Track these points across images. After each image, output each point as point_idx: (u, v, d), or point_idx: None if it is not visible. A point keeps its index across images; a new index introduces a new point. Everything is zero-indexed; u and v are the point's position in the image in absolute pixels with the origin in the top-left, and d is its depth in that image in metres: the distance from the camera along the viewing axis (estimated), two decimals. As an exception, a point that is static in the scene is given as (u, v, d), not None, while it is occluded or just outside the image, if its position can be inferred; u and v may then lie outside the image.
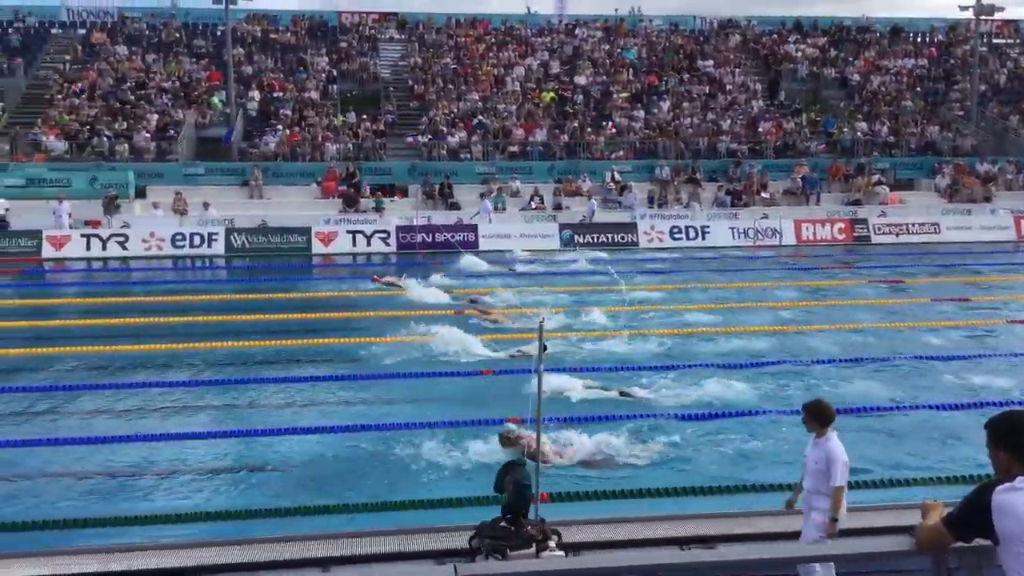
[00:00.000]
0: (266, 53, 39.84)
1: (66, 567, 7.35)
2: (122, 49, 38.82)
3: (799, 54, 42.71)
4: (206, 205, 30.07)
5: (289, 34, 41.34)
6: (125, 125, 33.76)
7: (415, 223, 29.58)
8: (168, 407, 12.78)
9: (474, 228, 29.95)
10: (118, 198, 29.68)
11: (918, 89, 41.43)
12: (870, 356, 15.46)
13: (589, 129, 36.29)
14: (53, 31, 40.91)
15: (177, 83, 37.08)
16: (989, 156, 36.91)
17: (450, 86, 38.61)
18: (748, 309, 19.90)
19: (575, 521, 8.25)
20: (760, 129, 37.40)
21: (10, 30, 39.80)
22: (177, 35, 40.36)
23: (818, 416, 7.20)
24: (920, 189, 36.28)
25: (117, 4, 43.26)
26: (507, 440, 10.58)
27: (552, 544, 7.23)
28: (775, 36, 44.56)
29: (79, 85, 35.99)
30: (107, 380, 14.08)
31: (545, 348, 8.28)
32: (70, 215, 28.48)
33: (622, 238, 30.44)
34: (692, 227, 31.12)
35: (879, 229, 31.91)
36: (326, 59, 39.93)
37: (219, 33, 39.58)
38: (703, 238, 30.81)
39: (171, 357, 15.49)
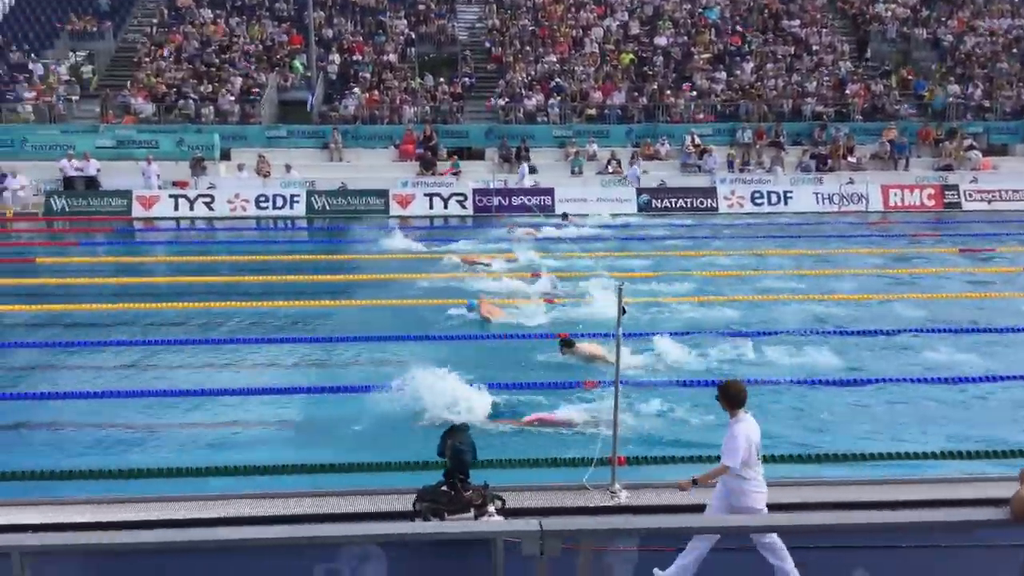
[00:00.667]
0: (346, 16, 40.05)
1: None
2: (207, 12, 39.47)
3: (889, 14, 41.07)
4: (288, 167, 30.57)
5: (368, -4, 41.44)
6: (210, 88, 34.43)
7: (491, 186, 29.57)
8: (249, 362, 13.10)
9: (551, 192, 29.81)
10: (204, 160, 30.37)
11: (1014, 51, 39.50)
12: (958, 326, 14.99)
13: (669, 91, 35.65)
14: (141, -6, 41.80)
15: (260, 46, 37.59)
16: (1091, 119, 35.14)
17: (527, 48, 38.31)
18: (832, 276, 19.45)
19: (521, 487, 8.27)
20: (847, 91, 36.22)
21: (100, -6, 40.75)
22: (260, -2, 40.83)
23: (726, 397, 7.06)
24: (1014, 155, 34.73)
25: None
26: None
27: (492, 509, 7.39)
28: (865, -6, 42.92)
29: (166, 48, 36.78)
30: (194, 336, 14.47)
31: (624, 312, 8.22)
32: (158, 176, 29.28)
33: (701, 203, 29.97)
34: (774, 192, 30.44)
35: (970, 196, 30.76)
36: (404, 22, 39.95)
37: (300, -4, 39.90)
38: (786, 203, 30.14)
39: (254, 314, 15.86)
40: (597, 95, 35.35)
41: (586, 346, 12.94)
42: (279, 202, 29.09)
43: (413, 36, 39.17)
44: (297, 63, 36.43)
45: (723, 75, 36.89)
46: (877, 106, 35.74)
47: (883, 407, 11.42)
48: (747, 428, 6.91)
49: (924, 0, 42.41)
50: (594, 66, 37.06)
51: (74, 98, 34.35)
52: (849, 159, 32.69)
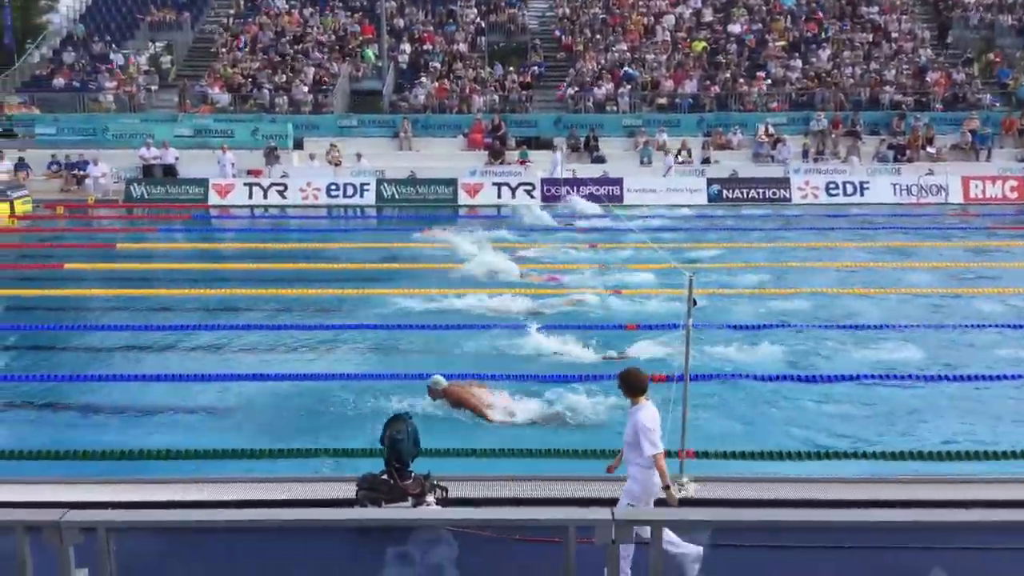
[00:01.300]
0: (417, 5, 40.31)
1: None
2: (281, 3, 40.12)
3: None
4: (359, 156, 30.92)
5: (440, -14, 41.62)
6: (284, 78, 35.02)
7: (560, 176, 29.47)
8: (322, 347, 13.30)
9: (619, 182, 29.60)
10: (277, 149, 30.91)
11: (1107, 36, 37.90)
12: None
13: (742, 79, 35.06)
14: (218, -15, 42.68)
15: (332, 36, 38.09)
16: None
17: (598, 36, 38.06)
18: (908, 269, 18.96)
19: (464, 477, 8.25)
20: (927, 79, 35.15)
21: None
22: (333, -12, 41.34)
23: (627, 385, 6.92)
24: (1105, 145, 33.33)
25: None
26: (434, 392, 10.45)
27: (430, 499, 7.41)
28: (947, -21, 41.56)
29: (241, 39, 37.51)
30: (263, 321, 14.73)
31: (695, 303, 8.13)
32: (233, 164, 29.90)
33: (773, 193, 29.43)
34: (850, 182, 29.72)
35: (1057, 188, 29.61)
36: (475, 11, 40.05)
37: (373, -14, 40.29)
38: (861, 194, 29.41)
39: (324, 301, 16.08)
40: (668, 84, 34.96)
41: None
42: (349, 191, 29.47)
43: (484, 25, 39.25)
44: (369, 53, 36.81)
45: (798, 63, 36.14)
46: (958, 95, 34.60)
47: (968, 403, 11.11)
48: (650, 413, 6.79)
49: (1010, -15, 40.92)
50: (665, 54, 36.65)
51: (153, 88, 35.30)
52: (928, 149, 31.73)
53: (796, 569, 6.86)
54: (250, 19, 38.99)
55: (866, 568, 6.75)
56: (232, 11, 39.90)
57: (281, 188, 29.36)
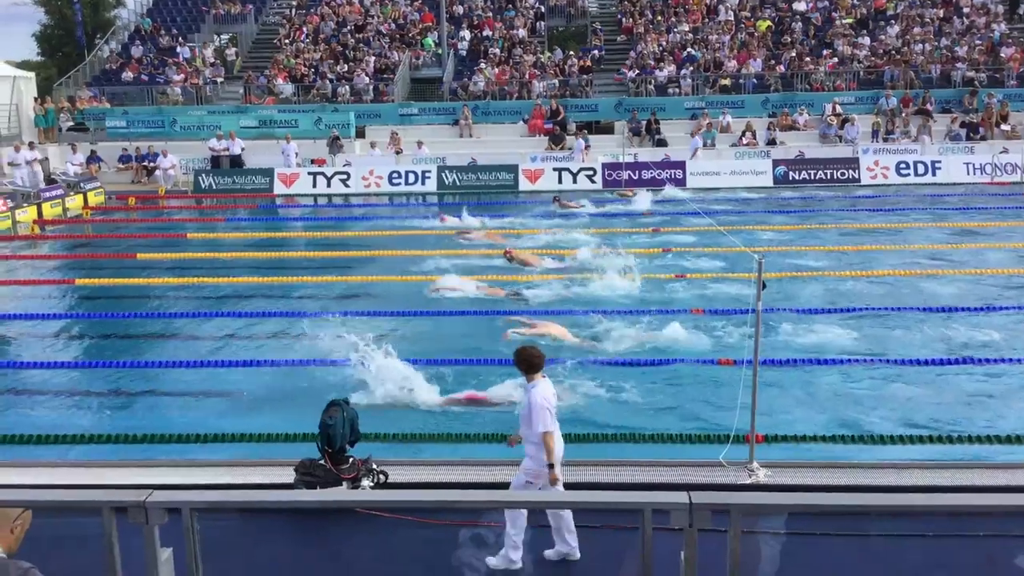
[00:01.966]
0: (476, -8, 40.32)
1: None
2: (342, -7, 40.48)
3: (1051, -31, 38.30)
4: (419, 144, 31.09)
5: (499, -29, 41.57)
6: (346, 68, 35.36)
7: (621, 160, 29.26)
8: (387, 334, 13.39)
9: (682, 165, 29.26)
10: (340, 138, 31.24)
11: None
12: None
13: (808, 58, 34.34)
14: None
15: (393, 25, 38.31)
16: None
17: (659, 18, 37.62)
18: (983, 249, 18.41)
19: (407, 462, 8.26)
20: (1001, 55, 34.00)
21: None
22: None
23: (521, 362, 6.88)
24: None
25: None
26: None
27: (366, 483, 7.48)
28: (1024, -51, 40.10)
29: (304, 30, 37.95)
30: (331, 308, 14.87)
31: (764, 286, 7.99)
32: (297, 154, 30.31)
33: (842, 174, 28.80)
34: (921, 162, 28.95)
35: None
36: (535, -5, 39.92)
37: (432, -26, 40.42)
38: (933, 174, 28.61)
39: (386, 288, 16.20)
40: (732, 64, 34.43)
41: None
42: (411, 178, 29.64)
43: (543, 10, 39.12)
44: (429, 41, 36.95)
45: (866, 40, 35.30)
46: (1035, 70, 33.45)
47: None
48: (546, 391, 6.75)
49: (1091, -47, 39.32)
50: (729, 34, 36.08)
51: (219, 80, 35.94)
52: (1003, 127, 30.73)
53: (878, 555, 6.73)
54: (312, 10, 39.44)
55: (951, 555, 6.59)
56: (295, 2, 40.41)
57: (344, 177, 29.68)
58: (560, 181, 29.23)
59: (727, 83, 33.89)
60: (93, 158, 30.85)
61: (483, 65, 35.05)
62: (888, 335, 12.76)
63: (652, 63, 34.85)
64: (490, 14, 38.78)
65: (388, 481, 7.72)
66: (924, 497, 6.30)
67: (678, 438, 9.29)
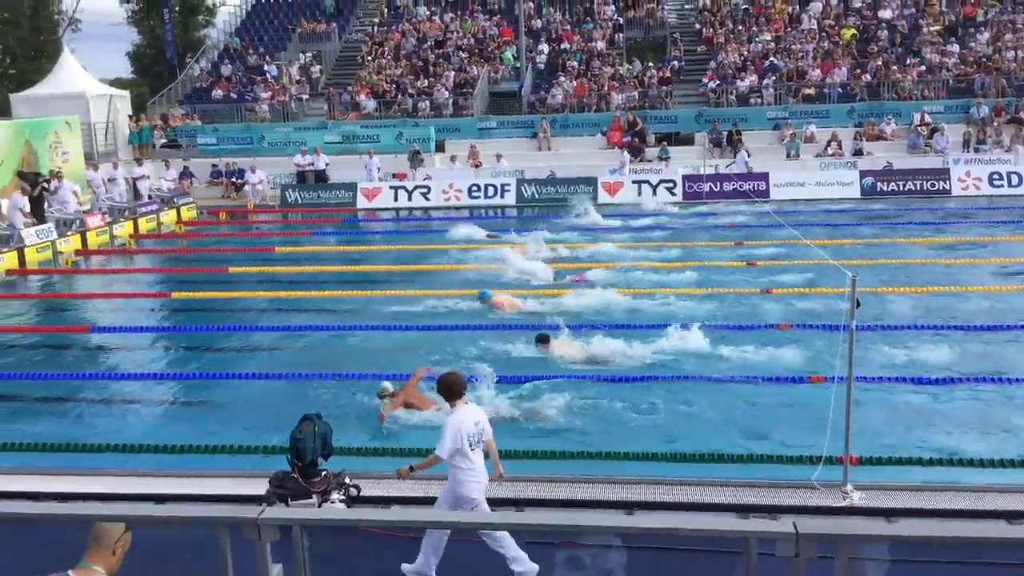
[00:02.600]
0: (554, 5, 40.50)
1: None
2: (423, 10, 41.11)
3: None
4: (498, 157, 31.31)
5: (577, -16, 41.70)
6: (426, 83, 35.87)
7: (702, 172, 28.98)
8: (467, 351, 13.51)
9: (765, 177, 28.83)
10: (420, 152, 31.68)
11: None
12: None
13: (895, 67, 33.53)
14: (363, -5, 44.16)
15: (472, 40, 38.73)
16: None
17: (740, 28, 37.22)
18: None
19: (380, 475, 8.28)
20: (1102, 59, 32.71)
21: (326, -4, 43.34)
22: (472, -7, 42.07)
23: (441, 390, 7.23)
24: None
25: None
26: (383, 396, 10.73)
27: (335, 497, 7.54)
28: (1125, -51, 38.50)
29: (386, 46, 38.65)
30: (415, 323, 15.07)
31: (858, 304, 7.85)
32: (379, 168, 30.84)
33: (932, 185, 27.99)
34: (1015, 172, 27.94)
35: None
36: (613, 7, 39.89)
37: (511, -12, 40.77)
38: (1028, 185, 27.65)
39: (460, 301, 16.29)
40: (816, 73, 33.83)
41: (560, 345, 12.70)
42: (490, 191, 29.87)
43: (622, 21, 39.06)
44: (508, 54, 37.24)
45: (955, 48, 34.31)
46: None
47: None
48: (460, 418, 6.95)
49: None
50: (812, 43, 35.48)
51: (304, 97, 36.82)
52: (1104, 134, 29.51)
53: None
54: (394, 27, 40.13)
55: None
56: (376, 20, 41.18)
57: (425, 190, 30.07)
58: (640, 193, 29.07)
59: (811, 92, 33.31)
60: (186, 174, 31.89)
61: (561, 78, 35.15)
62: (983, 352, 12.38)
63: (733, 73, 34.48)
64: (568, 27, 38.91)
65: (360, 496, 7.83)
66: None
67: (768, 458, 9.15)
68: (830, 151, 30.33)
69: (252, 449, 9.67)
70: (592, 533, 5.75)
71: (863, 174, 28.54)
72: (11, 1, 53.84)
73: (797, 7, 37.91)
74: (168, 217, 27.81)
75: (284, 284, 18.67)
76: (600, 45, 37.41)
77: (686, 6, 40.51)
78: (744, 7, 38.34)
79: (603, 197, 29.18)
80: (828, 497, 7.87)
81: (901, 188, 28.01)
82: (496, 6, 41.06)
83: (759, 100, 33.53)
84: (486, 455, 7.18)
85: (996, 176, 27.96)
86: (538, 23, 39.29)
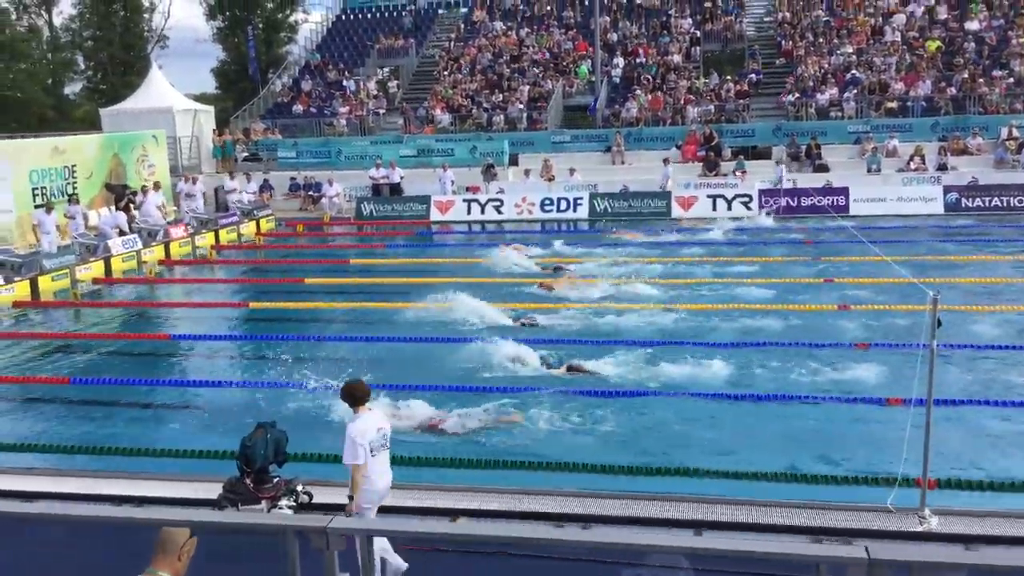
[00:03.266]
0: (631, 19, 40.39)
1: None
2: (499, 25, 41.43)
3: None
4: (572, 171, 31.30)
5: (654, -2, 41.53)
6: (501, 97, 36.11)
7: (780, 187, 28.49)
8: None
9: (845, 191, 28.21)
10: (494, 166, 31.88)
11: None
12: None
13: (981, 80, 32.52)
14: (440, 11, 44.71)
15: (547, 54, 38.86)
16: None
17: (821, 40, 36.56)
18: None
19: (328, 482, 8.21)
20: None
21: (403, 13, 44.04)
22: (548, 8, 42.19)
23: (345, 396, 7.35)
24: None
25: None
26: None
27: (284, 503, 7.58)
28: None
29: (462, 61, 39.04)
30: (484, 336, 15.09)
31: (940, 323, 7.62)
32: (453, 182, 31.12)
33: (1019, 201, 27.02)
34: (1109, 188, 26.84)
35: None
36: (690, 21, 39.59)
37: (587, 2, 40.80)
38: (1123, 201, 26.48)
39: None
40: (899, 86, 33.02)
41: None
42: (563, 205, 29.86)
43: (699, 35, 38.74)
44: (583, 68, 37.25)
45: (1047, 59, 33.10)
46: None
47: None
48: (362, 426, 7.11)
49: None
50: (896, 55, 34.65)
51: (381, 111, 37.42)
52: None
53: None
54: (470, 42, 40.52)
55: None
56: (453, 35, 41.65)
57: (497, 204, 30.21)
58: (714, 208, 28.73)
59: (893, 106, 32.52)
60: (265, 186, 32.67)
61: (636, 92, 35.01)
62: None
63: (813, 86, 33.88)
64: (644, 40, 38.74)
65: (312, 503, 7.87)
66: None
67: (842, 479, 8.93)
68: (913, 165, 29.54)
69: (319, 457, 9.78)
70: (660, 552, 5.65)
71: (947, 189, 27.72)
72: (103, 19, 56.12)
73: (880, 19, 37.09)
74: (248, 229, 28.50)
75: (361, 295, 18.92)
76: (676, 59, 37.16)
77: (765, 19, 39.99)
78: (825, 19, 37.67)
79: (676, 211, 28.93)
80: (904, 522, 7.64)
81: (987, 204, 27.11)
82: (572, 20, 41.14)
83: (839, 114, 32.87)
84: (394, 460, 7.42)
85: (1089, 192, 26.85)
86: (614, 37, 39.22)
